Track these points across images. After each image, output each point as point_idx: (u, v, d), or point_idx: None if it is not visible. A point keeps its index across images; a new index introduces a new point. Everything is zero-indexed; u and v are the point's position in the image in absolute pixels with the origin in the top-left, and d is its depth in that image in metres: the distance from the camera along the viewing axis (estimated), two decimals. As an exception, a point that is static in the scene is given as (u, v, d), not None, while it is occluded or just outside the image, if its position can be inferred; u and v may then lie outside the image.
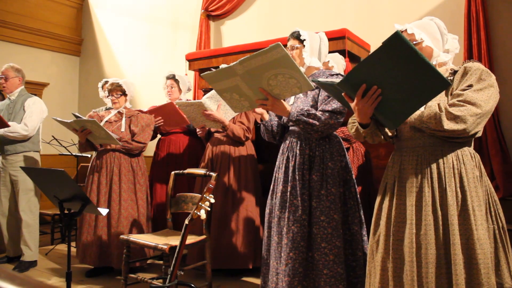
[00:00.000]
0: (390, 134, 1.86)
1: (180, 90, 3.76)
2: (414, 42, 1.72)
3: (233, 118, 3.17)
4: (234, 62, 1.87)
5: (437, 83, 1.44)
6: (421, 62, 1.41)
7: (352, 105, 1.67)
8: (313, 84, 1.94)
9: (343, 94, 1.70)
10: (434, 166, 1.68)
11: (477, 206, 1.61)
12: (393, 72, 1.48)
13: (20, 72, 3.65)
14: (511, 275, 1.61)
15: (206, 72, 1.98)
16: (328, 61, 2.93)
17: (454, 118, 1.56)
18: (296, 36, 2.30)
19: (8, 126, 3.32)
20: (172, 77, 3.74)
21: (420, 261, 1.63)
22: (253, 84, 1.97)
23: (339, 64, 2.96)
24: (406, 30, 1.74)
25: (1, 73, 3.59)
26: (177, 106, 3.08)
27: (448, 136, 1.63)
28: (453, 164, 1.66)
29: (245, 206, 3.14)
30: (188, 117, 3.12)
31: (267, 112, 2.46)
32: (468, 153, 1.69)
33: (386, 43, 1.41)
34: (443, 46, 1.79)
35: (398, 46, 1.40)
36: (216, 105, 2.94)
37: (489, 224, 1.63)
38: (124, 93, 3.40)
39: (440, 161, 1.67)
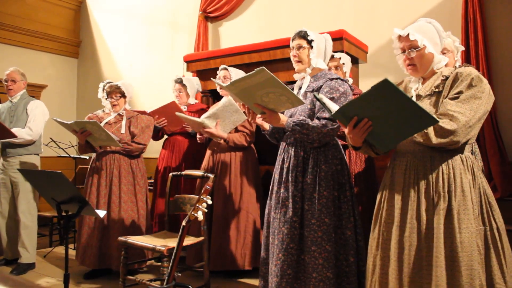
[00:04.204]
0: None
1: (188, 94, 3.75)
2: (417, 49, 1.72)
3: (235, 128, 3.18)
4: (227, 83, 1.96)
5: (426, 120, 1.50)
6: (410, 104, 1.47)
7: (345, 131, 1.74)
8: (313, 85, 1.92)
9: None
10: (421, 172, 1.72)
11: (463, 210, 1.63)
12: (383, 109, 1.55)
13: (25, 76, 3.71)
14: (503, 276, 1.62)
15: (214, 79, 2.13)
16: (340, 58, 2.95)
17: (442, 132, 1.59)
18: (303, 35, 2.29)
19: (15, 136, 3.35)
20: (180, 82, 3.72)
21: (403, 261, 1.69)
22: (249, 101, 2.06)
23: (347, 63, 2.98)
24: (408, 35, 1.72)
25: (7, 76, 3.61)
26: (185, 108, 3.12)
27: (440, 147, 1.66)
28: (442, 170, 1.68)
29: (246, 208, 3.14)
30: (192, 127, 3.17)
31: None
32: (458, 157, 1.70)
33: (375, 88, 1.47)
34: (440, 49, 1.80)
35: (388, 91, 1.46)
36: (215, 122, 2.96)
37: (480, 225, 1.65)
38: (123, 95, 3.40)
39: (428, 167, 1.71)
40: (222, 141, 3.11)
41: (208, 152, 3.33)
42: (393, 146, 1.78)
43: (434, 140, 1.60)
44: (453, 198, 1.64)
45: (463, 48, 2.65)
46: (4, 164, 3.55)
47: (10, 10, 5.59)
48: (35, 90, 5.75)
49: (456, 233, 1.60)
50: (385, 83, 1.44)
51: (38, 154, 3.67)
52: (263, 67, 1.80)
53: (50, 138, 4.49)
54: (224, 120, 2.96)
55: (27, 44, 5.81)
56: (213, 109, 2.97)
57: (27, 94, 3.71)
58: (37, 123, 3.54)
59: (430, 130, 1.60)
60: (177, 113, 3.04)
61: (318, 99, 1.75)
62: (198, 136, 3.36)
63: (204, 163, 3.33)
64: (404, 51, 1.77)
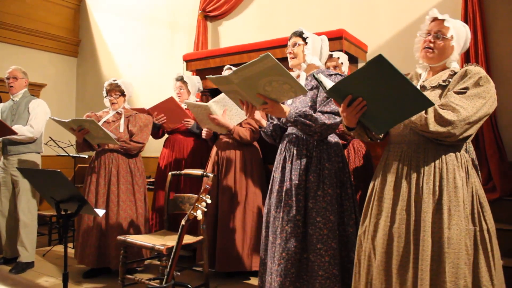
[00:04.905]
0: (379, 136, 1.88)
1: (188, 91, 3.73)
2: (443, 36, 1.72)
3: (240, 122, 3.15)
4: (230, 72, 1.93)
5: (420, 102, 1.49)
6: (405, 83, 1.45)
7: (340, 110, 1.72)
8: (311, 83, 1.92)
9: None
10: (414, 163, 1.70)
11: (454, 207, 1.61)
12: (378, 88, 1.53)
13: (26, 75, 3.73)
14: (491, 278, 1.59)
15: (209, 76, 2.06)
16: (338, 57, 2.95)
17: (441, 121, 1.57)
18: (299, 34, 2.37)
19: (15, 133, 3.36)
20: (180, 79, 3.70)
21: (391, 252, 1.68)
22: (250, 91, 2.02)
23: (346, 62, 2.98)
24: (444, 20, 1.74)
25: (9, 74, 3.63)
26: (186, 105, 3.08)
27: (436, 138, 1.63)
28: (434, 163, 1.66)
29: (252, 208, 3.12)
30: (196, 117, 3.13)
31: (266, 115, 2.48)
32: (453, 154, 1.68)
33: (370, 64, 1.44)
34: (460, 52, 1.80)
35: (383, 67, 1.43)
36: (222, 110, 2.93)
37: (470, 225, 1.62)
38: (123, 94, 3.39)
39: (421, 158, 1.69)
40: (226, 136, 3.05)
41: (213, 151, 3.32)
42: (387, 129, 1.75)
43: (432, 126, 1.57)
44: (445, 194, 1.61)
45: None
46: (5, 162, 3.55)
47: (9, 9, 5.58)
48: (34, 89, 5.74)
49: (445, 228, 1.58)
50: (379, 58, 1.41)
51: (39, 153, 3.67)
52: (269, 53, 1.76)
53: (50, 137, 4.48)
54: (231, 110, 2.92)
55: (26, 43, 5.80)
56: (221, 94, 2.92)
57: (28, 93, 3.72)
58: (39, 121, 3.56)
59: (430, 116, 1.58)
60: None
61: (315, 78, 1.75)
62: (204, 131, 3.32)
63: (209, 162, 3.30)
64: (429, 34, 1.77)
